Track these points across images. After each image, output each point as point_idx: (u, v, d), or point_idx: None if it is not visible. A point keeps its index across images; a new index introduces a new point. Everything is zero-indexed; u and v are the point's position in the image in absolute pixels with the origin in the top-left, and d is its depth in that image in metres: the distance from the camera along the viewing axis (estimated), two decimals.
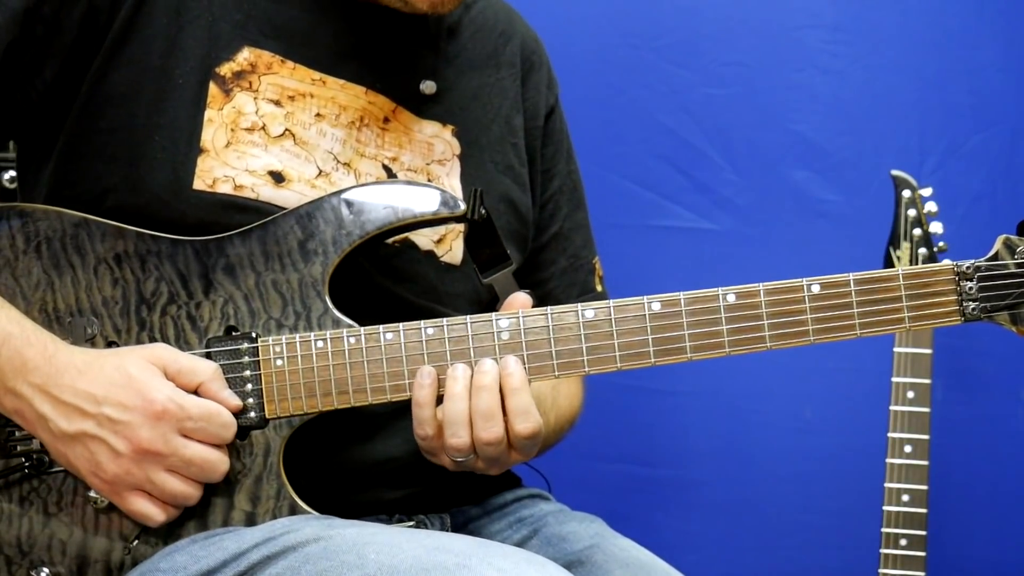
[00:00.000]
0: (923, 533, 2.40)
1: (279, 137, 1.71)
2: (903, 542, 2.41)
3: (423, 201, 1.66)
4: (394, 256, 1.76)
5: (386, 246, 1.75)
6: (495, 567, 1.43)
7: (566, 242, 2.00)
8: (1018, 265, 1.61)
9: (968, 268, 1.62)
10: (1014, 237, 1.62)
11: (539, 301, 1.71)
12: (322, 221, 1.64)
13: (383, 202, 1.65)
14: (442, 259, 1.80)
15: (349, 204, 1.65)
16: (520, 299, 1.66)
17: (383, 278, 1.75)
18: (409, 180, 1.76)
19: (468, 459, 1.61)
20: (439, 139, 1.83)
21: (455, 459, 1.62)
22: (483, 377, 1.59)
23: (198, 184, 1.66)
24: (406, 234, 1.76)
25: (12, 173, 1.70)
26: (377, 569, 1.44)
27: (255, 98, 1.71)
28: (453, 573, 1.41)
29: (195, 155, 1.67)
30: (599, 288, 2.02)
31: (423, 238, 1.78)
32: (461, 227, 1.79)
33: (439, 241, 1.80)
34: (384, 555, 1.46)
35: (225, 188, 1.67)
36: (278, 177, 1.69)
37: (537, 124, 1.97)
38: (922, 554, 2.40)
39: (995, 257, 1.63)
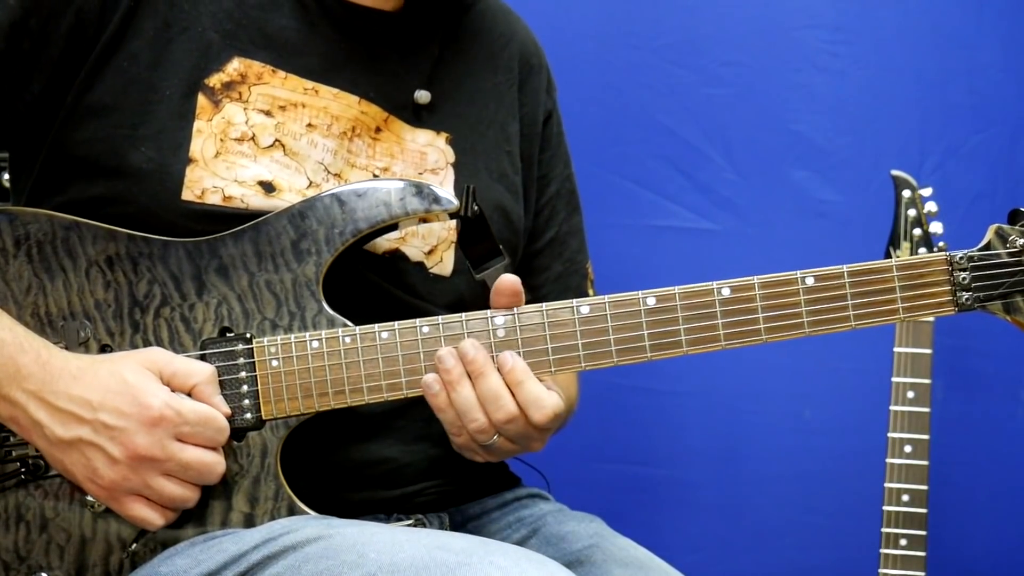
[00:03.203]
0: (923, 533, 2.40)
1: (269, 148, 1.70)
2: (903, 542, 2.40)
3: (415, 198, 1.66)
4: (385, 267, 1.76)
5: (377, 257, 1.74)
6: (496, 565, 1.43)
7: (562, 247, 2.00)
8: (1010, 254, 1.61)
9: (961, 258, 1.62)
10: (1006, 226, 1.63)
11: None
12: (315, 220, 1.64)
13: (376, 200, 1.65)
14: (431, 270, 1.80)
15: (341, 203, 1.65)
16: (507, 281, 1.65)
17: (375, 283, 1.75)
18: (401, 177, 1.75)
19: (495, 440, 1.62)
20: (432, 148, 1.82)
21: (483, 444, 1.62)
22: (475, 364, 1.60)
23: (187, 195, 1.66)
24: (397, 245, 1.75)
25: (6, 176, 1.70)
26: (377, 568, 1.44)
27: (245, 108, 1.70)
28: (454, 571, 1.41)
29: (183, 166, 1.66)
30: (591, 292, 2.02)
31: (414, 249, 1.78)
32: (453, 238, 1.79)
33: (430, 252, 1.79)
34: (384, 554, 1.46)
35: (214, 199, 1.67)
36: (268, 187, 1.69)
37: (536, 130, 1.97)
38: (922, 554, 2.40)
39: (987, 247, 1.63)
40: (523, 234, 1.94)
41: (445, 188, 1.80)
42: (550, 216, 1.99)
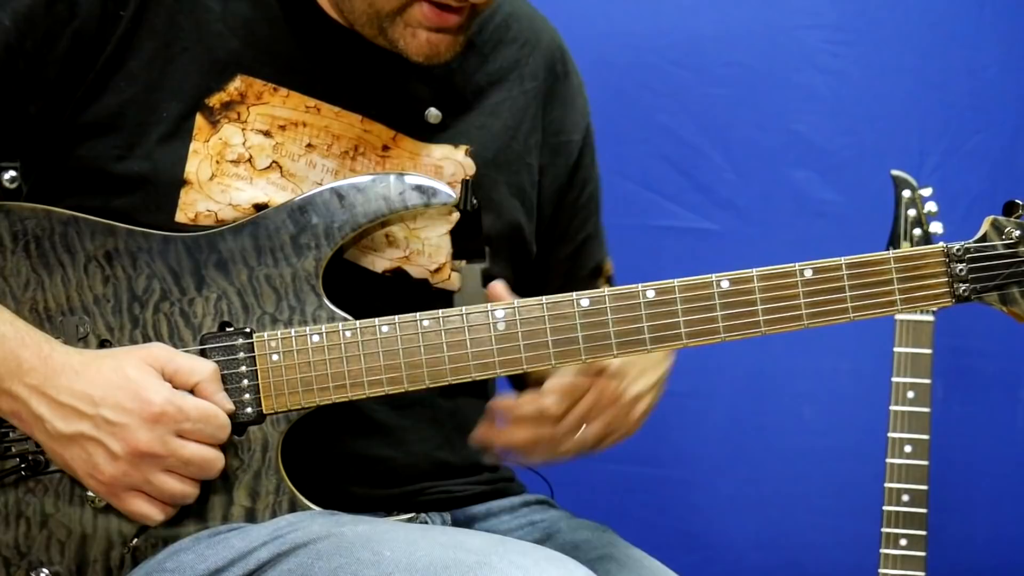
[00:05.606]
0: (923, 533, 2.39)
1: (266, 170, 1.69)
2: (903, 542, 2.40)
3: (415, 192, 1.66)
4: (385, 286, 1.74)
5: (376, 276, 1.73)
6: (516, 565, 1.42)
7: (593, 246, 2.01)
8: (1006, 246, 1.62)
9: (958, 250, 1.63)
10: (1001, 218, 1.64)
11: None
12: (314, 214, 1.64)
13: (375, 194, 1.65)
14: (436, 286, 1.77)
15: (341, 197, 1.64)
16: (499, 290, 1.67)
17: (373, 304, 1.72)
18: (400, 172, 1.72)
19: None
20: (450, 160, 1.78)
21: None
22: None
23: (180, 217, 1.65)
24: (400, 264, 1.74)
25: (12, 173, 1.69)
26: (394, 567, 1.44)
27: (243, 129, 1.68)
28: (474, 571, 1.41)
29: (178, 187, 1.65)
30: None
31: (418, 268, 1.75)
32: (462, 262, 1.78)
33: (437, 271, 1.76)
34: (400, 552, 1.46)
35: (207, 223, 1.66)
36: (263, 209, 1.67)
37: (572, 139, 1.94)
38: (922, 554, 2.39)
39: (983, 238, 1.63)
40: (531, 246, 1.91)
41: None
42: (585, 218, 1.98)
